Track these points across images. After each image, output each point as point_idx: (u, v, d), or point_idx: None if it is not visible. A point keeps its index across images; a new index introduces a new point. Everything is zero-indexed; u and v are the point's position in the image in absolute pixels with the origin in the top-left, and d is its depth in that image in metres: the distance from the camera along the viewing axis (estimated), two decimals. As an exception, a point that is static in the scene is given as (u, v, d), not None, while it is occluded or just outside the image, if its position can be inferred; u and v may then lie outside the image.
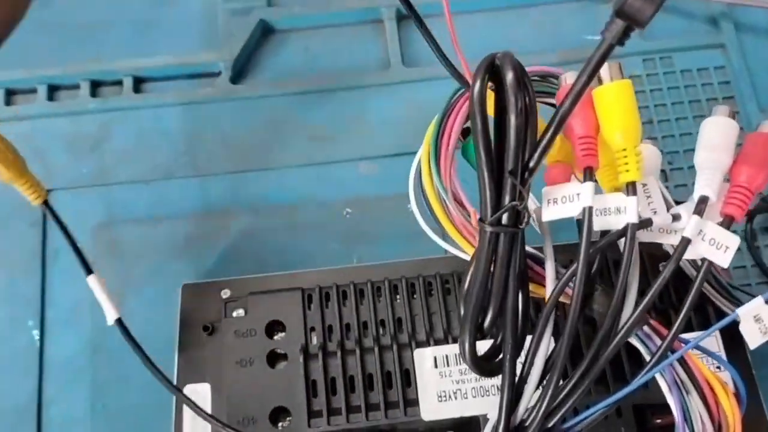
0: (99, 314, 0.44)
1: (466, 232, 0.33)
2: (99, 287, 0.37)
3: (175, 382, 0.41)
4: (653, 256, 0.38)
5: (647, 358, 0.28)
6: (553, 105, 0.32)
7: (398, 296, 0.40)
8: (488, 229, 0.26)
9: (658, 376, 0.28)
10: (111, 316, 0.38)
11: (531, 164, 0.26)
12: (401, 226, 0.46)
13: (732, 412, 0.29)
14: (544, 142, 0.25)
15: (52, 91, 0.50)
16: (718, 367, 0.37)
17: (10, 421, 0.42)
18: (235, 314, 0.40)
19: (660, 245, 0.38)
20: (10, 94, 0.50)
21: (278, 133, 0.49)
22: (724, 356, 0.37)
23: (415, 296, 0.40)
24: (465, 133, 0.35)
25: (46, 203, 0.37)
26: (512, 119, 0.25)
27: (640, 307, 0.27)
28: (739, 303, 0.40)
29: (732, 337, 0.38)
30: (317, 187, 0.47)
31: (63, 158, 0.48)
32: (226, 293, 0.42)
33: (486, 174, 0.26)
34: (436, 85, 0.48)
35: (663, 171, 0.48)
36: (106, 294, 0.37)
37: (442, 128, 0.34)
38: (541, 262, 0.31)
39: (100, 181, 0.47)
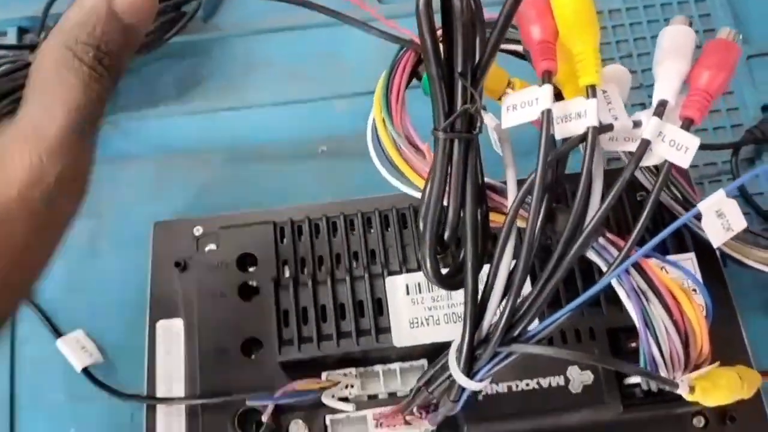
0: (70, 257, 0.44)
1: (422, 170, 0.33)
2: (67, 348, 0.41)
3: (147, 319, 0.41)
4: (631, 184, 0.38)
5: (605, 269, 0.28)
6: (515, 53, 0.32)
7: (372, 229, 0.40)
8: (441, 136, 0.26)
9: (616, 285, 0.28)
10: (78, 366, 0.41)
11: (482, 63, 0.25)
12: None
13: (697, 320, 0.28)
14: (493, 38, 0.24)
15: (22, 33, 0.49)
16: (695, 290, 0.37)
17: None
18: (207, 249, 0.40)
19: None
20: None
21: (253, 72, 0.48)
22: (699, 277, 0.37)
23: (388, 228, 0.40)
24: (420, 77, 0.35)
25: None
26: (458, 17, 0.24)
27: (601, 210, 0.26)
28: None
29: (709, 264, 0.38)
30: (292, 125, 0.47)
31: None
32: (198, 230, 0.42)
33: (436, 81, 0.26)
34: (412, 21, 0.47)
35: (642, 104, 0.47)
36: (72, 352, 0.41)
37: (390, 82, 0.34)
38: (500, 191, 0.31)
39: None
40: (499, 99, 0.39)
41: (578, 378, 0.35)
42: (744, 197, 0.45)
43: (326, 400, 0.35)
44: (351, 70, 0.48)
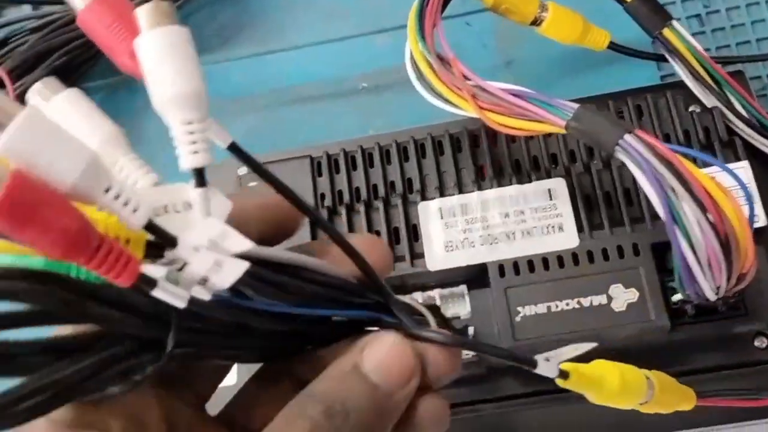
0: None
1: (452, 85, 0.34)
2: None
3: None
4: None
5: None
6: None
7: (408, 158, 0.39)
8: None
9: (636, 173, 0.26)
10: None
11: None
12: (418, 95, 0.45)
13: (738, 219, 0.26)
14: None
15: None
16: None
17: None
18: (249, 185, 0.40)
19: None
20: None
21: (293, 14, 0.48)
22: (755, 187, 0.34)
23: (425, 156, 0.39)
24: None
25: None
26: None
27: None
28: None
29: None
30: (333, 64, 0.47)
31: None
32: (242, 171, 0.42)
33: None
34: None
35: (698, 15, 0.44)
36: None
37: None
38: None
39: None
40: (531, 24, 0.38)
41: (622, 296, 0.33)
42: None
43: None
44: (390, 4, 0.47)
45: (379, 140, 0.39)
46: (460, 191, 0.37)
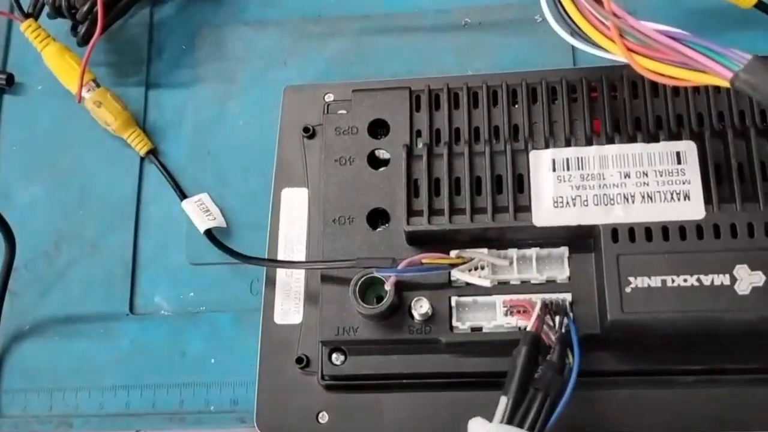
0: (200, 119, 0.43)
1: (597, 21, 0.30)
2: (191, 210, 0.40)
3: (273, 186, 0.39)
4: None
5: None
6: None
7: (516, 103, 0.36)
8: None
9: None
10: (201, 228, 0.40)
11: None
12: (523, 37, 0.42)
13: None
14: None
15: None
16: None
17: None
18: (338, 113, 0.37)
19: None
20: None
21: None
22: None
23: (536, 103, 0.35)
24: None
25: (151, 152, 0.42)
26: None
27: None
28: None
29: None
30: (434, -6, 0.43)
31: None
32: (329, 97, 0.39)
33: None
34: None
35: None
36: (197, 214, 0.40)
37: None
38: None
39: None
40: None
41: (747, 278, 0.30)
42: None
43: (458, 273, 0.32)
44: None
45: (487, 80, 0.36)
46: (570, 144, 0.34)
